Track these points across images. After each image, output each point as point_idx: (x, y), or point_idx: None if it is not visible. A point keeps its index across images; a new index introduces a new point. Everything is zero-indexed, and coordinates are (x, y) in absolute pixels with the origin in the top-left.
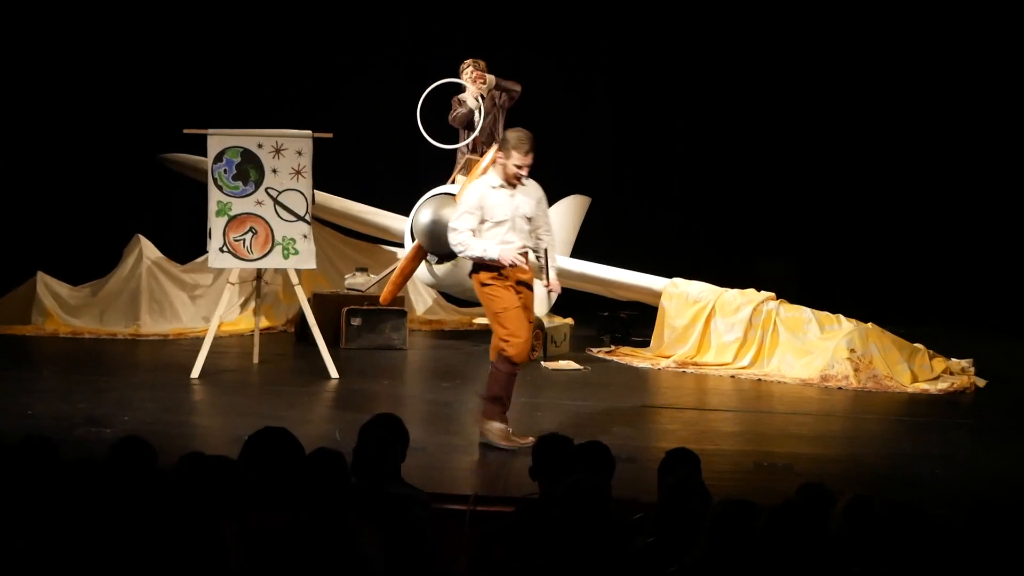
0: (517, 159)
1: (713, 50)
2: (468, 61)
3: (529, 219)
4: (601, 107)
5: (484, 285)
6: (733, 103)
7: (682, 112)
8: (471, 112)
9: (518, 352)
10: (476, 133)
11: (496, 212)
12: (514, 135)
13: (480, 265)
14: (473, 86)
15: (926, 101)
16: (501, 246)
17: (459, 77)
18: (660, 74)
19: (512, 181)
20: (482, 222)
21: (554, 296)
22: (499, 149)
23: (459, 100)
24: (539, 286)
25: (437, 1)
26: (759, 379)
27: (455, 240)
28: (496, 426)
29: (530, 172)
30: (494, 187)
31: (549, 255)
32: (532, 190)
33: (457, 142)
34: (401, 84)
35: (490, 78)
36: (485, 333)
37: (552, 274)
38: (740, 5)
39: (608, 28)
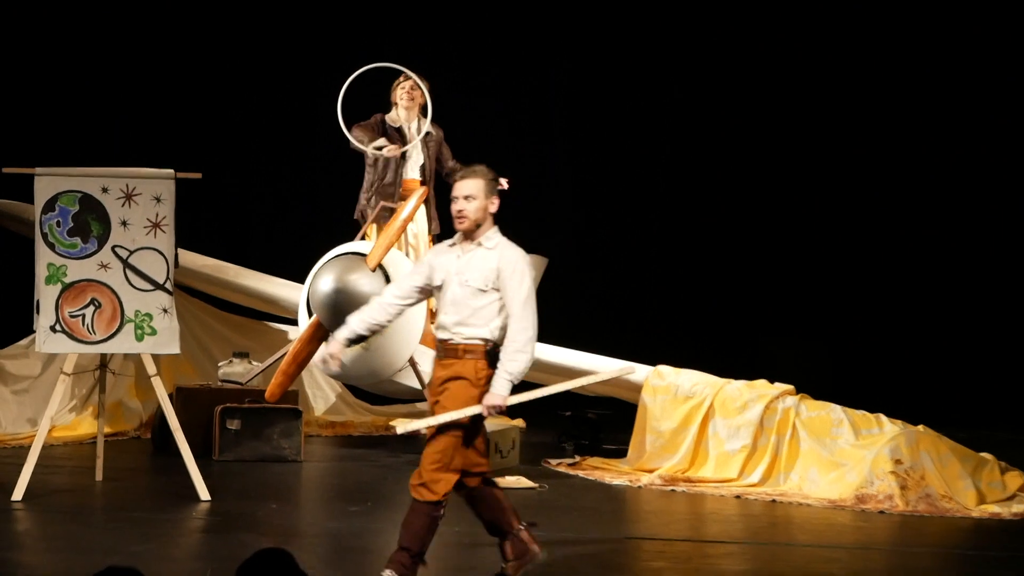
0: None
1: (711, 63)
2: (405, 78)
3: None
4: (558, 136)
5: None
6: (735, 128)
7: (666, 139)
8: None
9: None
10: (420, 137)
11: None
12: None
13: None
14: (403, 104)
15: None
16: None
17: (392, 96)
18: (634, 93)
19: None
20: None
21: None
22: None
23: (379, 121)
24: None
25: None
26: (774, 500)
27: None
28: None
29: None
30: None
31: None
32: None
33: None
34: (292, 107)
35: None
36: (406, 440)
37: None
38: (750, 27)
39: (568, 48)
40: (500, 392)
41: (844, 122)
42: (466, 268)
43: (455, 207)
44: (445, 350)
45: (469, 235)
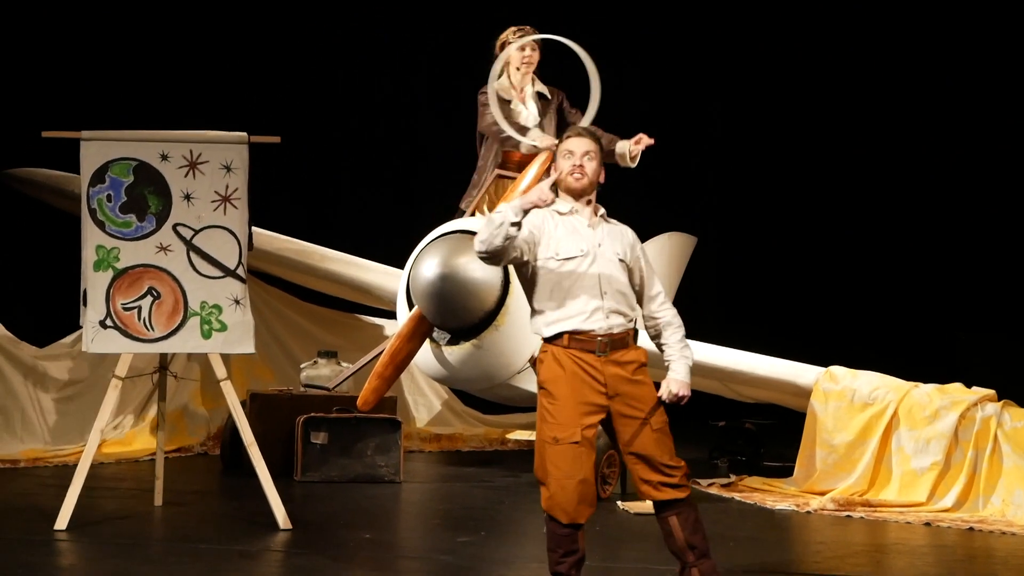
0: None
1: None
2: (512, 30)
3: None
4: (712, 105)
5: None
6: (935, 114)
7: (839, 113)
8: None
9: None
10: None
11: None
12: None
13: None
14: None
15: None
16: None
17: (496, 56)
18: (817, 76)
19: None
20: None
21: None
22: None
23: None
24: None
25: None
26: (971, 528)
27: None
28: None
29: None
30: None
31: None
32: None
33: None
34: (385, 58)
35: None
36: (524, 455)
37: None
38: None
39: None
40: (685, 376)
41: None
42: (607, 239)
43: (573, 161)
44: (612, 342)
45: (580, 199)
